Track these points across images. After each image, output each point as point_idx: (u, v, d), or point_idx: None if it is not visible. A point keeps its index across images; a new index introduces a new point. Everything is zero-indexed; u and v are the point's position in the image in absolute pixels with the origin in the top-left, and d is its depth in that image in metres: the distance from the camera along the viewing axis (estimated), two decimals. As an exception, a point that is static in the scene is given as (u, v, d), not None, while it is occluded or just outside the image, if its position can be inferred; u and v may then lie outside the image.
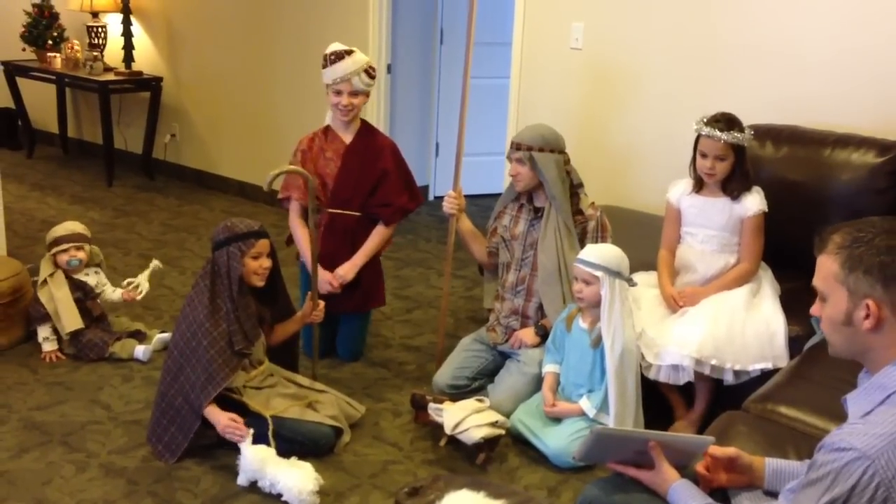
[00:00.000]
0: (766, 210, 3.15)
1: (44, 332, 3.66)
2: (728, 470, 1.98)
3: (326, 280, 3.53)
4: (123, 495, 2.75)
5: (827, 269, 1.67)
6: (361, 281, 3.64)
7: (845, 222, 1.70)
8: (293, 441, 2.89)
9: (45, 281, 3.68)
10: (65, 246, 3.71)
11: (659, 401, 3.15)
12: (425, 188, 6.23)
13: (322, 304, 3.34)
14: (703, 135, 3.09)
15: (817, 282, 1.70)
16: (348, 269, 3.59)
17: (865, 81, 3.58)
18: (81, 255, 3.77)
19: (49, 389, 3.41)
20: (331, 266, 3.57)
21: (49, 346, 3.66)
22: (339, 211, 3.59)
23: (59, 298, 3.66)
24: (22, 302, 3.80)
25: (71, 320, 3.64)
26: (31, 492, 2.75)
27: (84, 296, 3.73)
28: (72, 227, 3.81)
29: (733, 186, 3.14)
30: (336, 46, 3.53)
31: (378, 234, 3.65)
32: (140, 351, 3.65)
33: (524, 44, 4.60)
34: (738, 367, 2.96)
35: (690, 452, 2.02)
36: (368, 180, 3.60)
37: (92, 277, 3.80)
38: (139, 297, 3.86)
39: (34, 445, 3.01)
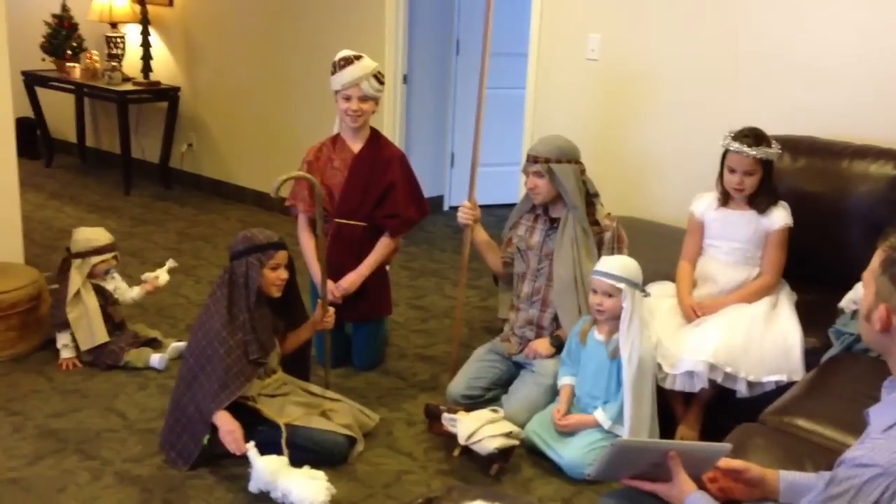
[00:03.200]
0: (791, 224, 3.13)
1: (63, 339, 3.66)
2: (736, 481, 1.96)
3: (329, 290, 3.53)
4: (137, 503, 2.76)
5: (874, 262, 1.67)
6: (367, 291, 3.64)
7: None
8: (307, 449, 2.89)
9: (77, 292, 3.65)
10: (105, 256, 3.73)
11: (664, 412, 3.12)
12: (440, 198, 6.24)
13: (332, 310, 3.34)
14: (732, 150, 3.08)
15: (865, 271, 1.70)
16: (353, 281, 3.59)
17: (884, 92, 3.56)
18: (115, 262, 3.80)
19: (65, 397, 3.42)
20: (336, 276, 3.57)
21: (67, 354, 3.67)
22: (345, 221, 3.59)
23: (92, 311, 3.65)
24: (40, 309, 3.82)
25: (101, 333, 3.65)
26: (45, 499, 2.76)
27: (104, 301, 3.74)
28: (105, 234, 3.80)
29: (760, 200, 3.13)
30: (345, 52, 3.55)
31: (383, 245, 3.65)
32: (156, 359, 3.66)
33: (540, 54, 4.60)
34: (751, 378, 2.93)
35: (707, 460, 2.01)
36: (376, 191, 3.59)
37: (109, 283, 3.81)
38: (160, 284, 3.86)
39: (49, 452, 3.02)
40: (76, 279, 3.66)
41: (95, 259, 3.70)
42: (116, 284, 3.83)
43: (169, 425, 3.00)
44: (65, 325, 3.65)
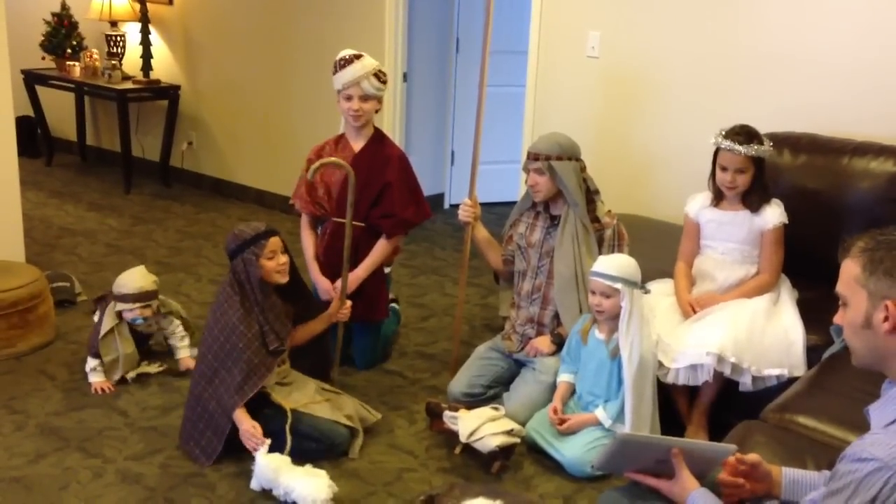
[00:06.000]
0: (787, 222, 3.13)
1: (92, 363, 3.47)
2: (748, 478, 1.96)
3: (326, 289, 3.53)
4: (139, 501, 2.76)
5: (849, 272, 1.67)
6: (364, 292, 3.62)
7: (871, 229, 1.70)
8: (310, 437, 2.91)
9: (111, 329, 3.49)
10: (130, 305, 3.49)
11: (667, 409, 3.13)
12: (441, 196, 6.24)
13: (349, 303, 3.35)
14: (723, 148, 3.08)
15: (840, 287, 1.70)
16: (349, 281, 3.58)
17: (884, 89, 3.56)
18: (147, 312, 3.54)
19: (66, 395, 3.42)
20: (334, 275, 3.56)
21: (97, 378, 3.47)
22: (342, 220, 3.58)
23: (125, 354, 3.50)
24: (41, 308, 3.81)
25: (126, 371, 3.52)
26: (47, 497, 2.76)
27: (138, 344, 3.61)
28: (140, 282, 3.52)
29: (753, 199, 3.13)
30: (345, 52, 3.55)
31: (380, 246, 3.64)
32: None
33: (540, 52, 4.60)
34: (754, 371, 2.93)
35: (711, 460, 2.01)
36: (372, 190, 3.58)
37: (151, 327, 3.65)
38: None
39: (51, 451, 3.02)
40: (107, 321, 3.49)
41: (121, 306, 3.51)
42: (171, 328, 3.64)
43: (191, 421, 3.00)
44: (96, 354, 3.48)
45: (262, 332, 2.96)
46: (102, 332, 3.47)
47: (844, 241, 1.71)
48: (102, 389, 3.46)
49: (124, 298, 3.50)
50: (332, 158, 3.32)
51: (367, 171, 3.58)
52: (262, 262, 2.97)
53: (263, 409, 2.94)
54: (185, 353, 3.64)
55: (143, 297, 3.51)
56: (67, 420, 3.24)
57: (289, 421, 2.89)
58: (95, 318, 3.69)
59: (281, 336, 3.01)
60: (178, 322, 3.67)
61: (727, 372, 2.93)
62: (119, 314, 3.51)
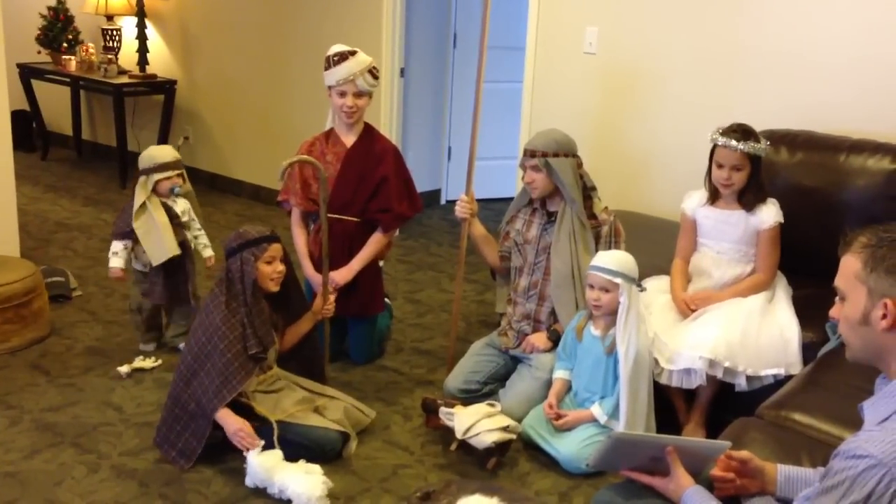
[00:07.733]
0: (782, 221, 3.13)
1: (116, 246, 3.62)
2: (739, 474, 1.96)
3: (321, 283, 3.53)
4: (134, 497, 2.76)
5: (849, 267, 1.66)
6: (360, 286, 3.62)
7: (872, 225, 1.70)
8: (299, 445, 2.88)
9: (143, 205, 3.54)
10: (168, 174, 3.60)
11: (664, 406, 3.13)
12: (437, 192, 6.23)
13: (332, 298, 3.34)
14: (720, 145, 3.08)
15: (839, 281, 1.70)
16: (344, 275, 3.57)
17: (882, 87, 3.56)
18: (180, 181, 3.66)
19: (61, 391, 3.42)
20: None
21: (117, 262, 3.62)
22: (337, 216, 3.58)
23: (161, 225, 3.54)
24: (36, 303, 3.81)
25: (171, 245, 3.56)
26: (42, 492, 2.76)
27: (172, 221, 3.66)
28: (170, 152, 3.67)
29: (748, 198, 3.13)
30: (339, 48, 3.53)
31: (375, 240, 3.64)
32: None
33: (538, 48, 4.60)
34: (750, 372, 2.94)
35: (706, 458, 2.01)
36: (368, 185, 3.58)
37: (179, 204, 3.70)
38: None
39: (46, 446, 3.02)
40: (140, 194, 3.57)
41: (158, 175, 3.59)
42: (186, 206, 3.71)
43: (168, 424, 2.97)
44: (123, 235, 3.59)
45: (245, 335, 2.93)
46: (136, 205, 3.53)
47: (846, 236, 1.71)
48: (118, 277, 3.64)
49: (163, 168, 3.59)
50: (304, 157, 3.32)
51: (362, 166, 3.58)
52: (259, 265, 2.96)
53: (250, 420, 2.90)
54: (211, 252, 3.88)
55: (179, 164, 3.66)
56: (62, 415, 3.23)
57: (275, 433, 2.87)
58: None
59: (264, 342, 2.98)
60: (196, 217, 3.79)
61: (720, 375, 2.93)
62: (153, 189, 3.59)
